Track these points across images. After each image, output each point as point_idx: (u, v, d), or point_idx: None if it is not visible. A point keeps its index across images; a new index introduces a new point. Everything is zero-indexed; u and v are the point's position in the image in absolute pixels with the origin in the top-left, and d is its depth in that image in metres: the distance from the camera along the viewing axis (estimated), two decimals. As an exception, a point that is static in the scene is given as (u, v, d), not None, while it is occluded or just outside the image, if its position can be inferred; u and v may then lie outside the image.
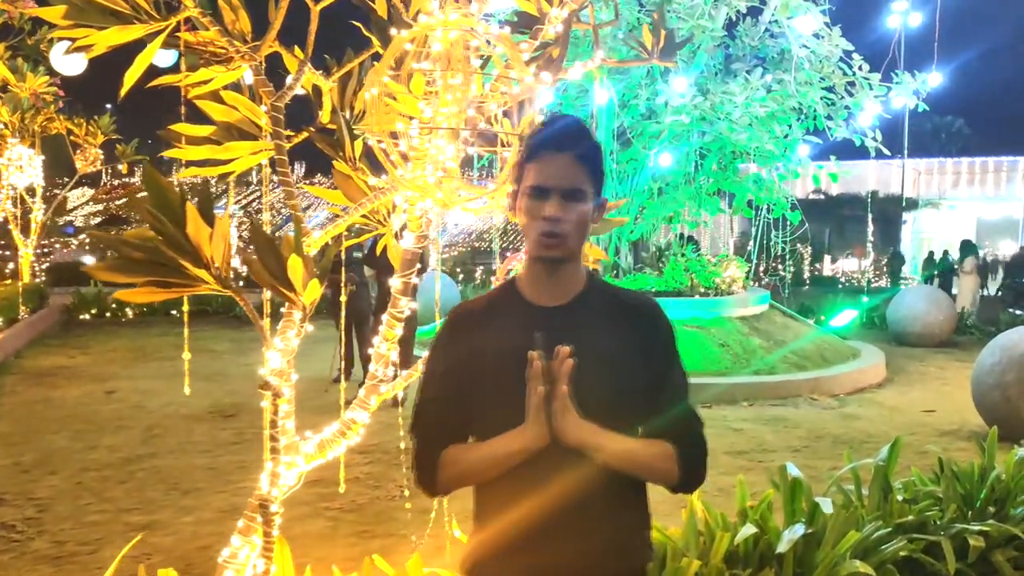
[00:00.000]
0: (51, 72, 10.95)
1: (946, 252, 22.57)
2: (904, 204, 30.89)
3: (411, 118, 2.79)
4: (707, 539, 3.51)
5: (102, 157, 15.48)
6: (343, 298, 7.97)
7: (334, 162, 3.12)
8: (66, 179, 16.67)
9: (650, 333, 1.87)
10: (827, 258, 32.53)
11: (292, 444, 3.18)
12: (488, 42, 2.21)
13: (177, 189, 2.47)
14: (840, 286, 26.14)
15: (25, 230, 14.62)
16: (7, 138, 11.93)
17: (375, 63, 2.75)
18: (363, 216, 3.16)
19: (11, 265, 14.85)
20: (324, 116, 3.34)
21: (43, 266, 18.07)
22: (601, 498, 1.78)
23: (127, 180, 31.55)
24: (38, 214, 14.94)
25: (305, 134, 3.22)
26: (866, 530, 3.65)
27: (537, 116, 2.66)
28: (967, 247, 17.53)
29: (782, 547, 3.32)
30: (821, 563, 3.44)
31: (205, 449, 6.91)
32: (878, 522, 3.78)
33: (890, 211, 31.96)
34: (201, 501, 5.65)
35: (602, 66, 3.96)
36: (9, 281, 13.89)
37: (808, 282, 26.47)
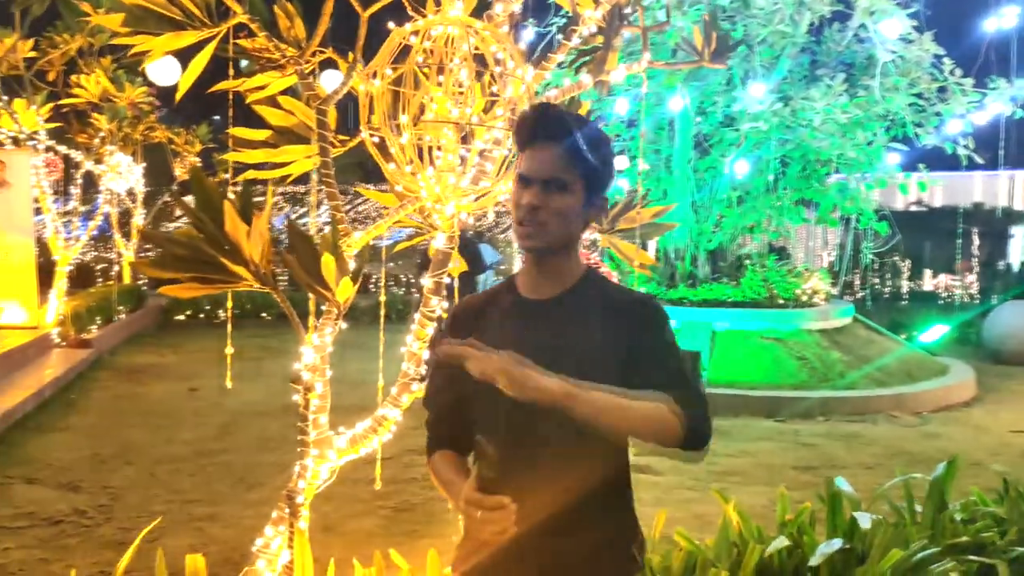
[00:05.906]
0: (148, 83, 11.46)
1: None
2: (1011, 217, 29.41)
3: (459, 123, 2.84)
4: (740, 550, 3.43)
5: (200, 165, 16.11)
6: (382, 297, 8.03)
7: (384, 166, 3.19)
8: (170, 187, 17.38)
9: (639, 330, 1.78)
10: (927, 272, 31.25)
11: (324, 439, 3.27)
12: (482, 38, 2.22)
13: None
14: (940, 301, 25.08)
15: (127, 235, 15.34)
16: (106, 145, 12.54)
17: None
18: (415, 219, 3.23)
19: (116, 268, 15.57)
20: (375, 120, 3.43)
21: (145, 269, 18.78)
22: (582, 500, 1.74)
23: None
24: (138, 219, 15.65)
25: (358, 138, 3.31)
26: (911, 548, 3.49)
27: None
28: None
29: (815, 560, 3.21)
30: (860, 580, 3.31)
31: (275, 446, 7.10)
32: (927, 541, 3.61)
33: (998, 224, 30.49)
34: (264, 495, 5.80)
35: (651, 69, 3.93)
36: (111, 282, 14.57)
37: (907, 297, 25.47)
